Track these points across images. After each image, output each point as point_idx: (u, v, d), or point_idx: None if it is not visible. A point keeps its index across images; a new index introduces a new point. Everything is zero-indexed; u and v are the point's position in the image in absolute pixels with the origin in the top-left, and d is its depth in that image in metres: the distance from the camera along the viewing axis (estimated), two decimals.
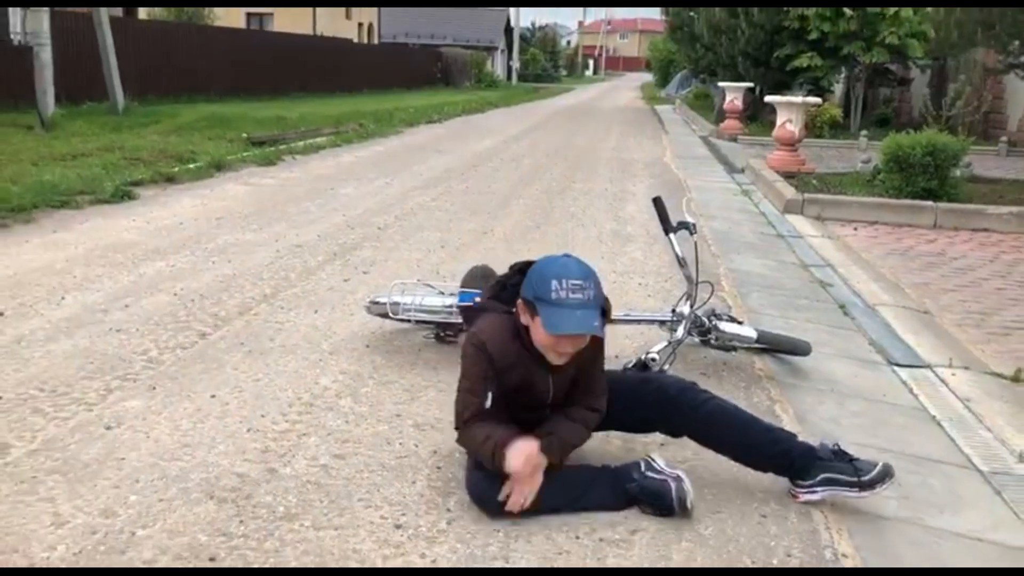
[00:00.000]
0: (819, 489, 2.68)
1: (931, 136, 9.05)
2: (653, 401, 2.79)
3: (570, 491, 2.60)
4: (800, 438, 2.79)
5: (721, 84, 18.07)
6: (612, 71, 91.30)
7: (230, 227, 6.65)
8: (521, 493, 2.51)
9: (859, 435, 3.29)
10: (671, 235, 3.47)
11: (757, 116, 19.45)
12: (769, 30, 18.14)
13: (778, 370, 3.93)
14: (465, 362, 2.67)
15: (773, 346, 3.79)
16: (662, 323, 3.67)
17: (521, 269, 2.70)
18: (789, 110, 11.09)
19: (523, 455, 2.50)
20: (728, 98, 17.17)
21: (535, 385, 2.67)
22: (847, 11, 16.24)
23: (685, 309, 3.44)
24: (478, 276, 3.56)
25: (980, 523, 2.73)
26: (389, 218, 7.27)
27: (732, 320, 3.80)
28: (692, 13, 24.08)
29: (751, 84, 17.94)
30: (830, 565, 2.40)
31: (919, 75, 19.72)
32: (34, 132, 11.93)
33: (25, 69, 13.09)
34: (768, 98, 11.86)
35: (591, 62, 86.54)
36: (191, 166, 9.45)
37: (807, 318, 4.89)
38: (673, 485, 2.56)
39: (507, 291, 2.73)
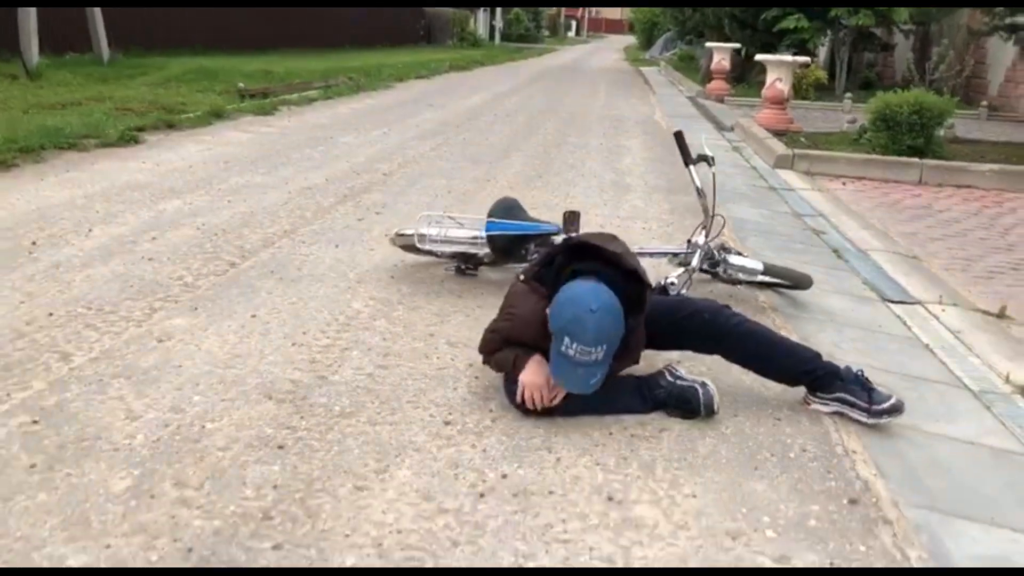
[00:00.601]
0: (831, 403, 2.91)
1: (918, 95, 9.28)
2: (687, 325, 2.97)
3: (601, 396, 2.82)
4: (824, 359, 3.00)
5: (708, 45, 18.20)
6: (594, 33, 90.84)
7: (239, 170, 6.78)
8: (530, 393, 2.73)
9: (857, 357, 3.54)
10: (691, 167, 3.68)
11: (744, 78, 19.61)
12: None
13: (780, 303, 4.17)
14: (502, 311, 2.91)
15: (778, 278, 4.02)
16: (675, 255, 3.89)
17: (571, 249, 2.84)
18: (779, 69, 11.27)
19: (536, 363, 2.73)
20: (715, 59, 17.31)
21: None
22: None
23: (700, 239, 3.66)
24: (508, 207, 3.76)
25: (972, 431, 2.99)
26: (392, 165, 7.42)
27: (739, 254, 4.02)
28: None
29: (738, 45, 18.07)
30: (840, 459, 2.65)
31: (902, 40, 19.95)
32: (19, 81, 11.88)
33: (9, 18, 12.99)
34: (759, 56, 12.02)
35: (574, 24, 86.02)
36: (191, 114, 9.51)
37: (803, 260, 5.13)
38: (700, 390, 2.80)
39: (550, 269, 2.86)
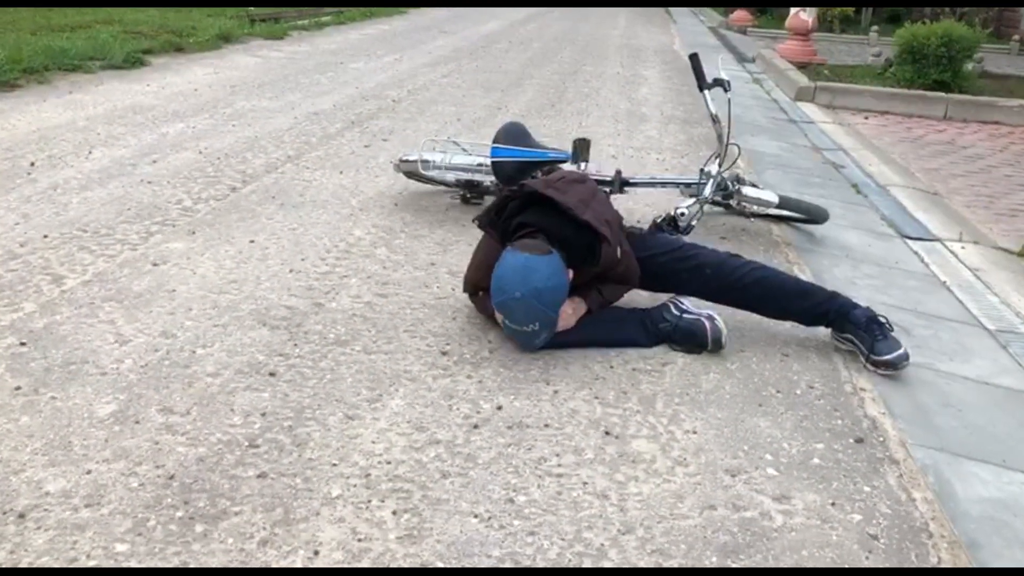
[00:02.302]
0: (845, 343, 2.81)
1: (948, 26, 8.97)
2: (689, 278, 2.87)
3: (604, 326, 2.74)
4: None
5: None
6: None
7: (245, 94, 6.64)
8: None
9: (873, 293, 3.44)
10: (705, 91, 3.53)
11: (767, 9, 19.08)
12: None
13: (795, 237, 4.05)
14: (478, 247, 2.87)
15: (793, 211, 3.89)
16: (687, 185, 3.76)
17: (526, 196, 2.73)
18: None
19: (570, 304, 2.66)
20: None
21: None
22: None
23: (713, 169, 3.53)
24: (515, 133, 3.63)
25: (987, 371, 2.90)
26: (402, 92, 7.25)
27: (754, 186, 3.89)
28: None
29: None
30: (848, 397, 2.57)
31: None
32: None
33: None
34: None
35: None
36: (200, 38, 9.31)
37: (820, 194, 4.98)
38: (707, 324, 2.71)
39: (500, 220, 2.76)
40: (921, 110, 8.23)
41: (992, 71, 10.42)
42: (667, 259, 2.90)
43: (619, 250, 2.73)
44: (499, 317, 2.64)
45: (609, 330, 2.74)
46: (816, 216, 3.91)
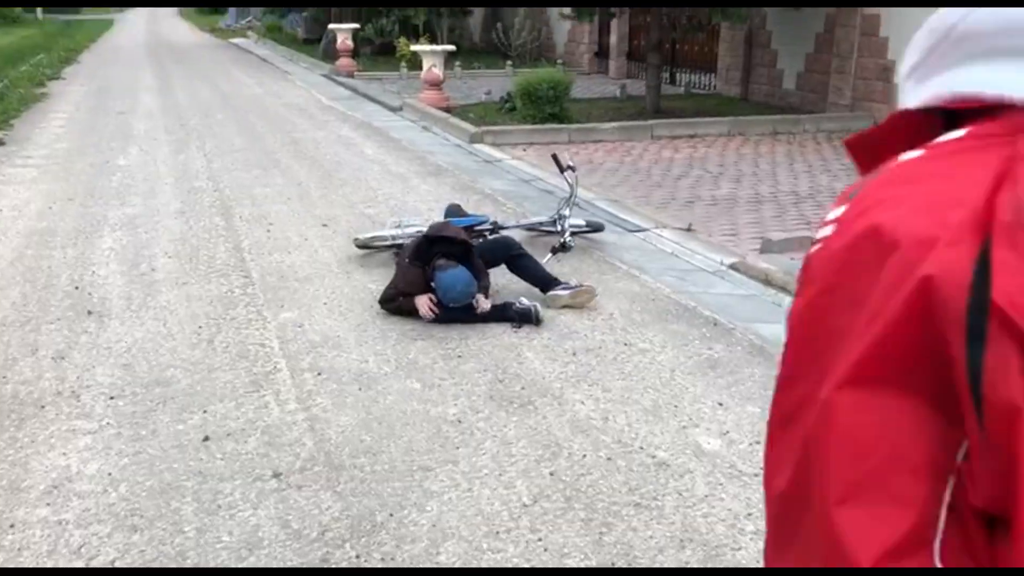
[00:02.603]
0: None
1: (551, 73, 12.45)
2: (503, 255, 5.41)
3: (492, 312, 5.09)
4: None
5: (331, 26, 20.11)
6: None
7: None
8: (427, 306, 4.96)
9: (650, 264, 6.25)
10: (564, 173, 6.09)
11: (358, 53, 21.87)
12: None
13: (584, 243, 6.75)
14: (395, 278, 5.13)
15: (588, 227, 6.55)
16: (546, 223, 6.31)
17: (430, 239, 5.10)
18: (433, 56, 13.80)
19: (425, 297, 5.00)
20: (339, 39, 19.31)
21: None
22: None
23: (567, 211, 6.11)
24: (454, 209, 5.86)
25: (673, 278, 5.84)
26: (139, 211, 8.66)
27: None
28: None
29: (357, 25, 20.22)
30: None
31: (477, 10, 23.56)
32: None
33: None
34: (415, 47, 14.45)
35: None
36: None
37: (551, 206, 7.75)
38: (534, 309, 5.02)
39: (421, 252, 5.06)
40: (553, 139, 11.52)
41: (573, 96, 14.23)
42: (503, 247, 5.44)
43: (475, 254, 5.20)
44: (436, 299, 4.90)
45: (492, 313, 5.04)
46: (597, 227, 6.64)
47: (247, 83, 17.79)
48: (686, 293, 5.55)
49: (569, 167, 6.11)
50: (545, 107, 12.09)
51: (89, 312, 5.17)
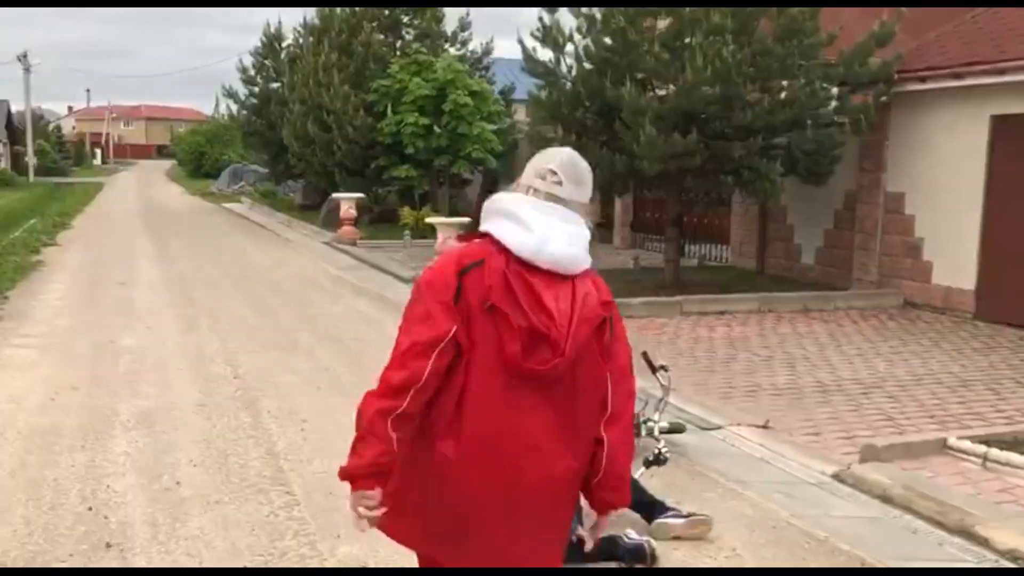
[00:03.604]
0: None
1: None
2: None
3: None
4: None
5: (335, 196, 19.97)
6: (120, 159, 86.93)
7: None
8: None
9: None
10: (656, 374, 5.45)
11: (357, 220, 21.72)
12: (364, 145, 20.54)
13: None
14: None
15: (671, 429, 5.84)
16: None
17: None
18: (448, 228, 13.50)
19: None
20: (343, 207, 19.11)
21: None
22: (437, 129, 19.34)
23: (656, 416, 5.44)
24: None
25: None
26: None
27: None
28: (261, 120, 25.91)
29: (362, 194, 20.10)
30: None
31: (476, 176, 23.64)
32: None
33: None
34: (429, 219, 14.20)
35: (99, 152, 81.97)
36: None
37: None
38: (647, 546, 4.14)
39: None
40: None
41: None
42: None
43: None
44: None
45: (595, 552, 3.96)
46: (678, 429, 5.94)
47: (249, 251, 17.37)
48: (806, 518, 4.79)
49: (662, 367, 5.49)
50: None
51: (108, 545, 4.33)
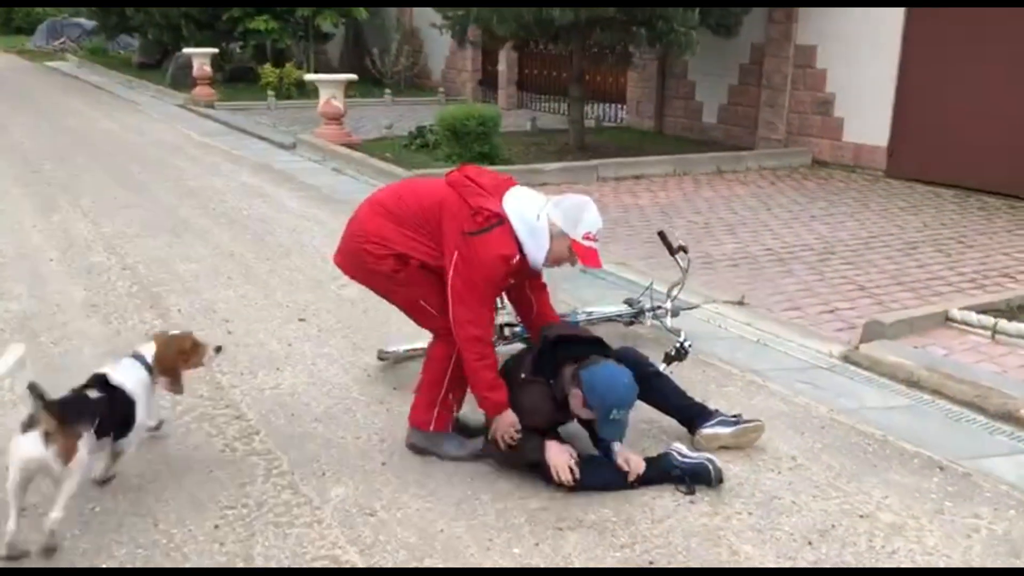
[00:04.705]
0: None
1: (478, 108, 11.03)
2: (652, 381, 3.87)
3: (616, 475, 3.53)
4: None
5: (187, 51, 17.75)
6: None
7: None
8: (564, 470, 3.43)
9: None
10: (675, 255, 4.70)
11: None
12: None
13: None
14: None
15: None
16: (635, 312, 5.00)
17: (553, 342, 3.60)
18: (332, 87, 12.06)
19: (557, 447, 3.52)
20: (196, 65, 17.06)
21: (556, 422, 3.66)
22: None
23: (668, 305, 4.78)
24: None
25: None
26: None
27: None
28: None
29: (216, 50, 17.98)
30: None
31: (338, 31, 21.57)
32: None
33: None
34: (309, 76, 12.61)
35: None
36: None
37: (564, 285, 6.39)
38: (710, 465, 3.51)
39: (543, 362, 3.59)
40: None
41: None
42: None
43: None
44: (610, 415, 3.35)
45: (619, 477, 3.49)
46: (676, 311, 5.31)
47: (94, 116, 15.24)
48: (848, 412, 4.30)
49: (681, 248, 4.75)
50: (473, 145, 10.68)
51: None
